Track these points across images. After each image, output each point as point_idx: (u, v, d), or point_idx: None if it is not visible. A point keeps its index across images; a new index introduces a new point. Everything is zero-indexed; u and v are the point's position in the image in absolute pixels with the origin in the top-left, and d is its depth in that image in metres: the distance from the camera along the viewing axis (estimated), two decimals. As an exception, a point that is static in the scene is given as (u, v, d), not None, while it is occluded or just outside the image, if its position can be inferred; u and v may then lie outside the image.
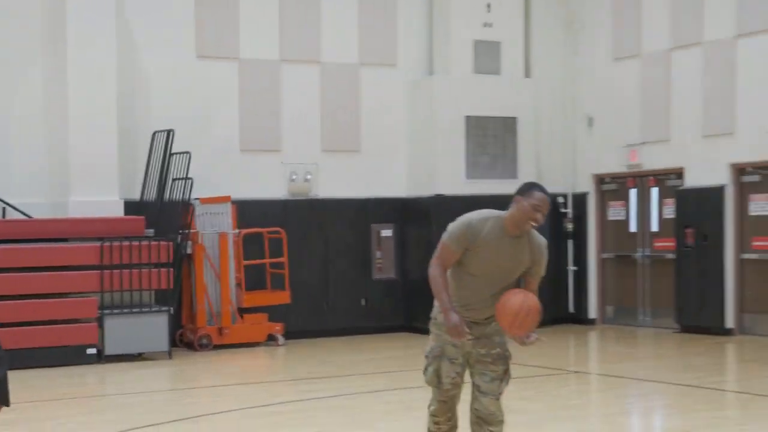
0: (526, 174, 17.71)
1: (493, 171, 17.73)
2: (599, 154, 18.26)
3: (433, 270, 6.33)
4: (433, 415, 6.60)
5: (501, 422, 6.49)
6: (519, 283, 6.43)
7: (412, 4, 18.25)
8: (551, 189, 17.73)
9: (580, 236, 18.50)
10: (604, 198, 18.51)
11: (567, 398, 11.63)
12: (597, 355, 16.24)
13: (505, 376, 6.52)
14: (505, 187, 16.53)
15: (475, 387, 6.47)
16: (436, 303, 6.45)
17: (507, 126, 17.95)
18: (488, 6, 18.13)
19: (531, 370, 12.65)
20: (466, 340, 6.32)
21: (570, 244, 18.51)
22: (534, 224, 6.19)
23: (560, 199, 18.41)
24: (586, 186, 18.58)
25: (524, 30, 18.60)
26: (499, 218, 6.24)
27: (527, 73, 18.64)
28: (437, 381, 6.44)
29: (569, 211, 18.50)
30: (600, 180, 18.50)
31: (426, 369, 6.50)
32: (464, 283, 6.34)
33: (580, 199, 18.58)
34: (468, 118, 17.65)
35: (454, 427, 6.68)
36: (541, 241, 6.39)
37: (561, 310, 18.03)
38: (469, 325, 6.32)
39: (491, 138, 17.78)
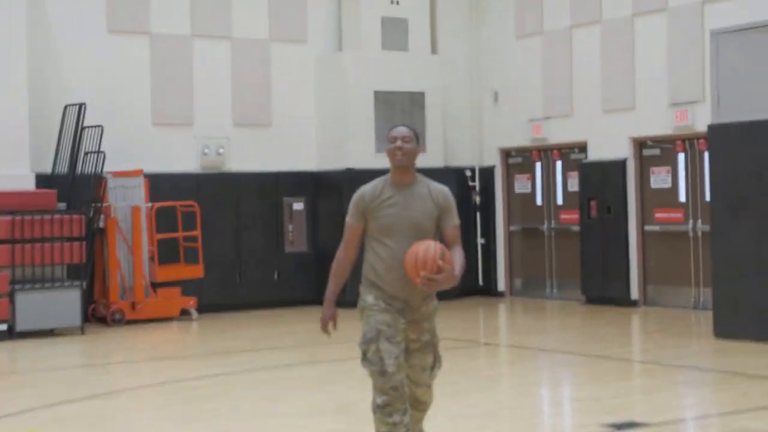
0: (434, 148, 17.73)
1: (402, 145, 17.43)
2: (505, 128, 18.09)
3: (337, 254, 6.06)
4: (383, 413, 5.79)
5: (429, 406, 6.32)
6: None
7: (321, -20, 17.96)
8: (459, 163, 18.04)
9: (487, 209, 18.33)
10: (510, 171, 18.34)
11: (480, 370, 11.54)
12: (507, 327, 16.10)
13: (435, 364, 6.18)
14: (415, 161, 16.30)
15: (408, 374, 6.03)
16: (362, 284, 6.06)
17: (415, 101, 17.80)
18: None
19: (443, 343, 12.34)
20: (328, 334, 6.09)
21: (478, 217, 18.32)
22: (400, 156, 5.90)
23: (468, 173, 18.25)
24: (493, 160, 18.39)
25: (430, 7, 18.48)
26: (386, 176, 6.02)
27: (434, 50, 18.51)
28: (381, 364, 5.78)
29: (476, 184, 18.32)
30: (506, 154, 18.32)
31: (364, 356, 5.88)
32: (381, 255, 5.94)
33: (487, 173, 18.39)
34: (377, 93, 17.44)
35: (408, 424, 5.92)
36: (442, 187, 6.09)
37: (470, 282, 17.79)
38: (402, 308, 5.96)
39: (399, 113, 17.55)
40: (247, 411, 9.12)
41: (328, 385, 10.42)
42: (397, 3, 17.91)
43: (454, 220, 6.04)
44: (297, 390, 10.07)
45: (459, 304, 16.49)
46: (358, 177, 15.24)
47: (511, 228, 18.24)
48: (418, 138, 6.02)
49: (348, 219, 5.98)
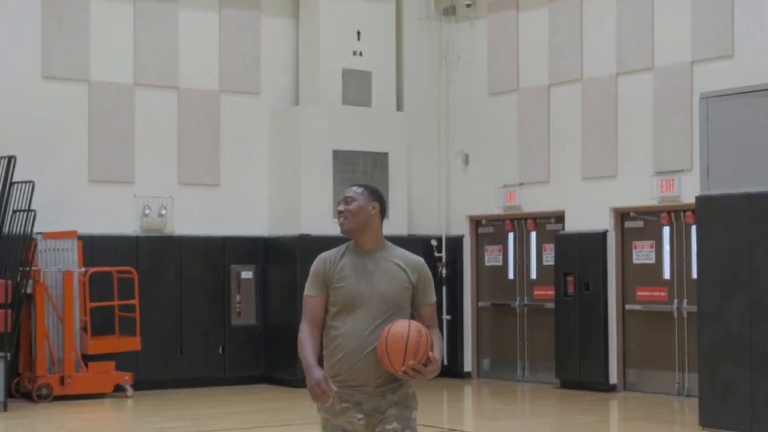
0: (397, 214, 17.83)
1: (362, 212, 17.59)
2: (475, 194, 18.27)
3: (300, 331, 5.67)
4: None
5: None
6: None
7: (277, 27, 18.29)
8: (424, 231, 18.19)
9: (454, 283, 18.45)
10: (480, 242, 18.55)
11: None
12: (473, 411, 16.22)
13: None
14: (377, 227, 16.45)
15: None
16: None
17: (377, 162, 17.99)
18: (358, 33, 18.21)
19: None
20: (328, 403, 5.53)
21: (444, 291, 18.38)
22: (341, 220, 5.65)
23: (433, 242, 18.34)
24: (461, 229, 18.57)
25: (396, 60, 18.72)
26: (348, 243, 5.78)
27: (399, 106, 18.72)
28: None
29: (443, 255, 18.44)
30: (476, 222, 18.54)
31: None
32: (339, 330, 5.57)
33: (454, 243, 18.54)
34: (336, 152, 17.61)
35: None
36: (416, 258, 5.77)
37: (434, 363, 17.91)
38: (357, 399, 5.55)
39: (360, 174, 17.72)
40: None
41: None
42: (360, 54, 18.13)
43: (431, 298, 5.74)
44: None
45: (421, 385, 16.45)
46: (314, 244, 15.49)
47: (480, 304, 18.40)
48: (373, 195, 5.71)
49: (306, 291, 5.68)
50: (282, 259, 17.24)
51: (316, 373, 5.44)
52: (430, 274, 5.79)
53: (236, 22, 17.87)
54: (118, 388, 15.97)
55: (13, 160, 15.43)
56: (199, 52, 17.60)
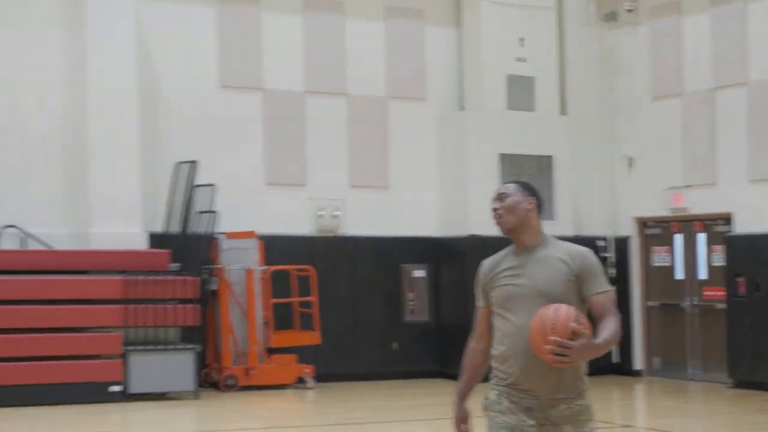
0: (563, 215, 18.06)
1: (529, 212, 17.72)
2: (641, 196, 18.32)
3: (468, 344, 5.49)
4: None
5: None
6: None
7: (440, 35, 18.59)
8: (591, 232, 18.26)
9: (623, 283, 18.41)
10: (647, 243, 18.58)
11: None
12: (645, 409, 16.19)
13: None
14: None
15: None
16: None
17: (542, 165, 18.15)
18: (521, 40, 18.31)
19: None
20: None
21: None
22: (497, 218, 5.33)
23: (601, 243, 18.45)
24: (628, 230, 18.63)
25: (559, 65, 18.80)
26: (512, 244, 5.46)
27: (563, 111, 18.83)
28: None
29: (611, 255, 18.54)
30: (643, 224, 18.59)
31: None
32: (501, 332, 5.27)
33: (622, 244, 18.63)
34: (502, 156, 17.84)
35: None
36: (579, 248, 5.35)
37: (604, 360, 17.85)
38: (530, 405, 5.17)
39: (526, 177, 17.74)
40: None
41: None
42: (524, 60, 18.29)
43: (600, 287, 5.25)
44: None
45: (591, 382, 16.52)
46: (483, 244, 15.64)
47: (649, 303, 18.43)
48: (528, 190, 5.40)
49: (477, 302, 5.49)
50: (452, 259, 17.59)
51: (456, 411, 5.38)
52: (595, 262, 5.32)
53: (401, 31, 18.26)
54: (300, 380, 16.38)
55: (195, 164, 16.04)
56: (367, 61, 17.98)
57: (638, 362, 18.36)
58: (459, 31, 18.58)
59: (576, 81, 18.89)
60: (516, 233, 5.32)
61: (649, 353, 18.40)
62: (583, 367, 5.24)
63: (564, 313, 4.88)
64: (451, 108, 18.52)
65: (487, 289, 5.36)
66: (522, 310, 5.16)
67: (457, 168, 17.95)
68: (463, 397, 5.39)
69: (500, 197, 5.34)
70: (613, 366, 18.20)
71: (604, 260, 18.27)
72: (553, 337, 4.79)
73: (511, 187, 5.39)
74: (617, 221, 18.72)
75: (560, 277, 5.23)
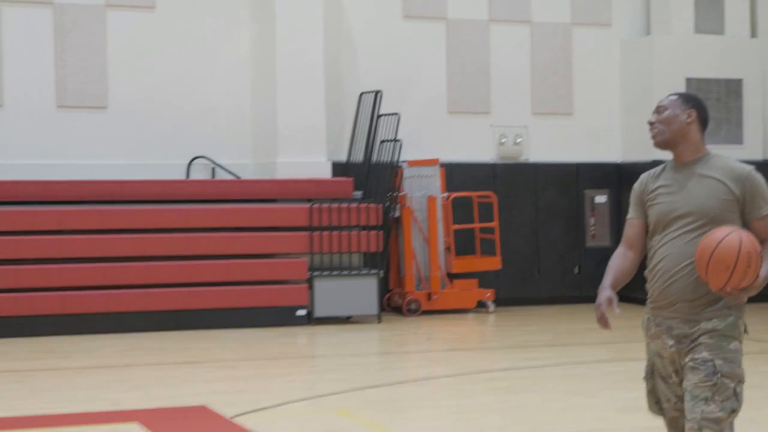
0: (752, 139, 17.82)
1: (717, 136, 17.55)
2: (833, 118, 17.69)
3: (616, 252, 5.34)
4: None
5: None
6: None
7: (626, -40, 18.42)
8: None
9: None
10: (838, 166, 17.86)
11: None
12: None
13: (714, 395, 4.90)
14: (730, 152, 16.16)
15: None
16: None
17: (731, 89, 17.89)
18: None
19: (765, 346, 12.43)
20: (608, 328, 5.10)
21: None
22: (653, 132, 5.10)
23: (792, 168, 17.77)
24: (819, 154, 18.12)
25: None
26: (670, 160, 5.24)
27: (753, 33, 18.45)
28: (657, 407, 5.19)
29: (806, 180, 17.84)
30: (833, 146, 17.96)
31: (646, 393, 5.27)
32: (654, 250, 5.11)
33: (811, 167, 17.90)
34: (689, 80, 17.60)
35: None
36: (741, 166, 5.05)
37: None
38: (668, 324, 5.05)
39: (714, 101, 17.65)
40: (559, 404, 9.51)
41: (641, 383, 10.55)
42: None
43: (761, 210, 5.01)
44: (609, 386, 10.35)
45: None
46: (666, 170, 15.54)
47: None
48: (690, 102, 5.11)
49: (629, 214, 5.31)
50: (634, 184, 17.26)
51: (601, 294, 5.07)
52: (760, 182, 5.05)
53: (586, -43, 18.18)
54: (480, 305, 16.58)
55: (379, 94, 16.29)
56: (551, -12, 18.02)
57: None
58: (644, -46, 18.39)
59: (767, 2, 18.40)
60: (673, 148, 5.12)
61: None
62: None
63: (756, 257, 4.68)
64: (636, 33, 18.30)
65: (644, 199, 5.19)
66: (674, 228, 5.01)
67: (642, 93, 17.67)
68: (607, 285, 5.11)
69: (658, 110, 5.11)
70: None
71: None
72: (742, 284, 4.69)
73: (672, 98, 5.13)
74: (807, 145, 18.22)
75: (717, 196, 4.99)
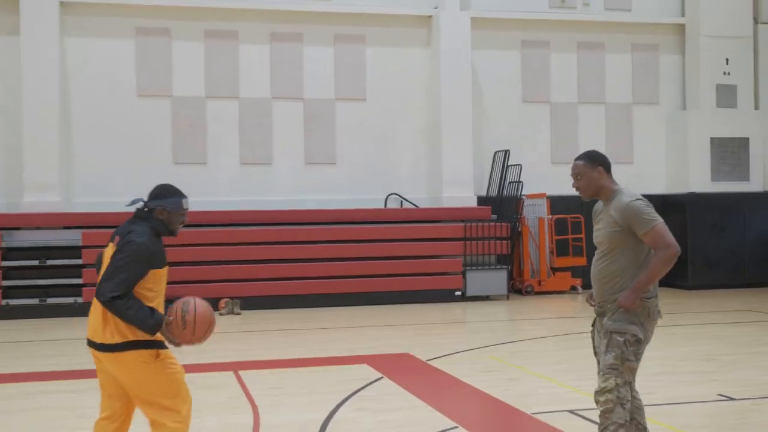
0: (755, 178, 17.40)
1: (731, 175, 17.39)
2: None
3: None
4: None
5: (600, 392, 4.73)
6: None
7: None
8: None
9: None
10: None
11: None
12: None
13: (608, 350, 4.69)
14: (740, 187, 16.17)
15: None
16: None
17: (741, 144, 17.52)
18: (726, 60, 17.68)
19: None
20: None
21: None
22: (578, 192, 4.78)
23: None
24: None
25: (753, 73, 17.90)
26: None
27: (756, 106, 18.02)
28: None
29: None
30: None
31: None
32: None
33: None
34: (712, 138, 17.34)
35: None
36: (621, 203, 4.64)
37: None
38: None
39: (730, 153, 17.39)
40: None
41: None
42: (728, 74, 17.58)
43: (639, 231, 4.60)
44: (659, 346, 9.53)
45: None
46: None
47: None
48: (594, 161, 4.70)
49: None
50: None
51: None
52: (632, 210, 4.59)
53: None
54: (572, 288, 16.49)
55: (507, 152, 16.14)
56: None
57: None
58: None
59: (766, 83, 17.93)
60: (596, 196, 4.85)
61: None
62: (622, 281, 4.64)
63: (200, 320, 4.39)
64: (676, 108, 17.81)
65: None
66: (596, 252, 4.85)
67: (680, 146, 17.39)
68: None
69: (573, 175, 4.78)
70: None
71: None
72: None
73: (579, 164, 4.72)
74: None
75: (606, 230, 4.71)
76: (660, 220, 4.66)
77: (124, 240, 4.36)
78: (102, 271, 4.40)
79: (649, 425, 5.07)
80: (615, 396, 4.64)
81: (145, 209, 4.48)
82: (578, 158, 4.79)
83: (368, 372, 8.56)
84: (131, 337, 4.31)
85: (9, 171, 14.94)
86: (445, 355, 9.54)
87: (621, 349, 4.64)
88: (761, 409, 6.98)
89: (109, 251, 4.47)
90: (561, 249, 16.72)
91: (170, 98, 15.67)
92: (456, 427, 6.49)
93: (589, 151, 4.86)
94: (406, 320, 12.91)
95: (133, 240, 4.33)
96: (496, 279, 15.40)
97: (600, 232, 4.75)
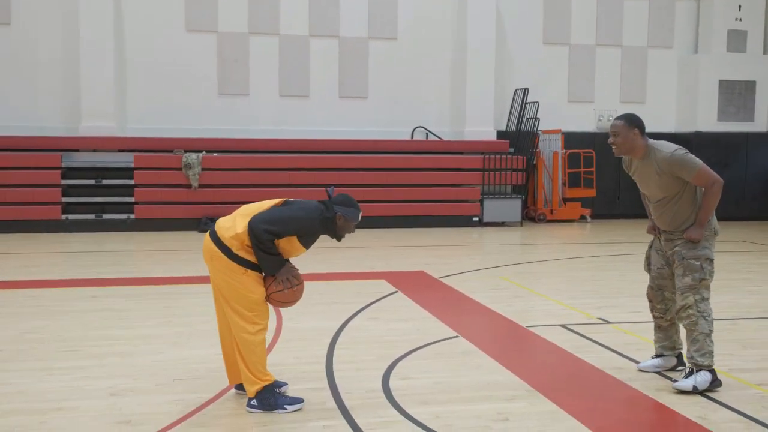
0: (759, 119, 16.96)
1: (738, 116, 16.97)
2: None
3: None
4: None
5: (682, 309, 4.95)
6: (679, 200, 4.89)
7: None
8: None
9: None
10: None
11: None
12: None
13: (685, 273, 4.90)
14: (745, 128, 15.82)
15: None
16: None
17: (748, 87, 17.09)
18: (739, 6, 17.15)
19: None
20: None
21: None
22: (613, 148, 4.89)
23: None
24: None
25: (764, 20, 17.37)
26: None
27: (765, 50, 17.56)
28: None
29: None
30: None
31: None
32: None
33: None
34: (721, 81, 17.01)
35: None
36: (665, 156, 4.79)
37: None
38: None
39: (737, 95, 17.01)
40: (630, 276, 9.42)
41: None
42: (740, 20, 17.13)
43: (687, 177, 4.77)
44: None
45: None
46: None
47: None
48: (632, 123, 4.81)
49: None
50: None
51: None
52: (678, 159, 4.75)
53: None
54: (582, 218, 16.43)
55: (526, 90, 15.84)
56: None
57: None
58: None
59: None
60: (628, 154, 4.96)
61: None
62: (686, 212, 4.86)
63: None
64: (688, 52, 17.40)
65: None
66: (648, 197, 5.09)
67: (690, 89, 17.01)
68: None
69: (611, 134, 4.88)
70: None
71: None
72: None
73: (616, 124, 4.83)
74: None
75: (655, 183, 4.86)
76: (700, 162, 4.83)
77: (331, 210, 4.47)
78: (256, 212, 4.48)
79: (642, 342, 5.48)
80: (695, 310, 4.86)
81: (328, 213, 4.50)
82: (618, 118, 4.91)
83: (385, 287, 8.62)
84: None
85: (68, 100, 15.02)
86: (457, 273, 9.59)
87: (698, 272, 4.85)
88: (737, 327, 7.00)
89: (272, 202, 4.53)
90: (573, 181, 16.63)
91: (216, 34, 15.60)
92: (457, 336, 6.59)
93: (627, 114, 4.99)
94: (426, 242, 12.90)
95: (326, 216, 4.45)
96: (511, 207, 15.32)
97: (650, 185, 4.90)
